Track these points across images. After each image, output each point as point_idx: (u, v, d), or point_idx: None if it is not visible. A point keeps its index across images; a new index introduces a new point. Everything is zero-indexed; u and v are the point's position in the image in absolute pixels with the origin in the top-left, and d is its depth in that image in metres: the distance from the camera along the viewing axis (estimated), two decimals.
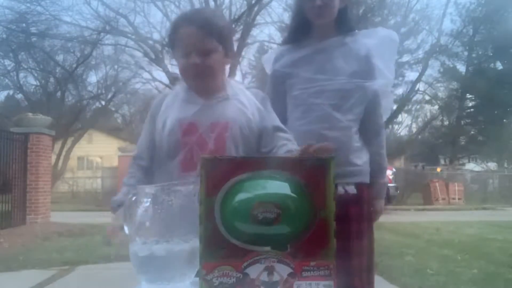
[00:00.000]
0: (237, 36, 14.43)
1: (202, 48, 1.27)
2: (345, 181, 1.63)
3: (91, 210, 13.24)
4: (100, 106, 23.10)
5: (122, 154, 14.91)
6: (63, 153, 19.76)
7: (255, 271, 0.93)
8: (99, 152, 23.14)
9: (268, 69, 1.82)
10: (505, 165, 24.64)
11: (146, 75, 19.87)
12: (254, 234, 0.93)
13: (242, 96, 1.37)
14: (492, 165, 24.42)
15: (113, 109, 25.77)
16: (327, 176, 0.97)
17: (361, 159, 1.69)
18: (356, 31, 1.77)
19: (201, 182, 0.93)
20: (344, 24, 1.72)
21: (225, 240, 0.93)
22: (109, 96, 22.25)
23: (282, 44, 1.85)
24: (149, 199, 0.99)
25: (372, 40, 1.74)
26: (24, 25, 16.47)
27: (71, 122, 20.12)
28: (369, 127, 1.72)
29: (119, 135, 24.99)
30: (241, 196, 0.93)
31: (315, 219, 0.95)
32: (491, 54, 24.76)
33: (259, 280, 0.93)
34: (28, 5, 15.50)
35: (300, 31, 1.74)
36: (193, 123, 1.31)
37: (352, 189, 1.64)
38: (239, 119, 1.31)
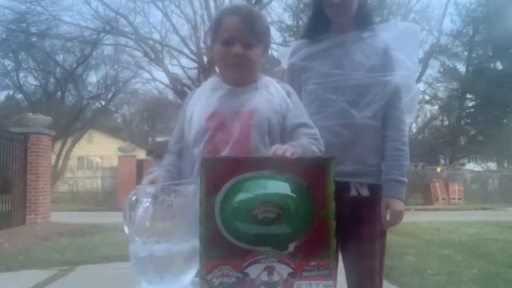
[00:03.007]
0: None
1: (246, 40, 1.30)
2: (357, 181, 1.58)
3: (91, 210, 13.25)
4: (100, 106, 23.12)
5: (122, 154, 14.91)
6: (63, 153, 19.76)
7: (255, 271, 0.93)
8: (99, 152, 23.14)
9: (285, 63, 1.77)
10: (505, 165, 24.63)
11: (146, 75, 19.95)
12: (254, 234, 0.93)
13: (271, 87, 1.38)
14: (492, 165, 24.41)
15: (113, 109, 25.83)
16: (327, 176, 0.96)
17: (376, 159, 1.61)
18: (375, 25, 1.72)
19: (201, 182, 0.93)
20: (362, 19, 1.68)
21: (225, 240, 0.93)
22: (109, 96, 22.28)
23: (300, 38, 1.79)
24: (149, 199, 0.99)
25: (391, 33, 1.69)
26: (24, 25, 16.49)
27: (71, 122, 20.13)
28: (389, 122, 1.63)
29: (119, 135, 24.98)
30: (241, 196, 0.93)
31: (315, 219, 0.95)
32: (491, 54, 24.74)
33: (259, 280, 0.93)
34: (28, 5, 15.54)
35: (318, 26, 1.70)
36: (218, 111, 1.32)
37: (365, 191, 1.58)
38: (266, 109, 1.31)
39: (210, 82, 1.42)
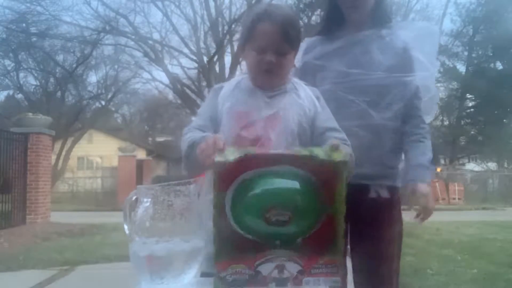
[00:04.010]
0: (237, 36, 14.43)
1: (280, 49, 1.29)
2: (376, 183, 1.54)
3: (91, 210, 13.25)
4: (100, 106, 23.11)
5: (122, 154, 14.91)
6: (63, 153, 19.76)
7: (267, 269, 0.96)
8: (99, 152, 23.14)
9: (297, 62, 1.67)
10: (505, 165, 24.63)
11: (146, 75, 19.92)
12: (265, 233, 0.95)
13: (300, 90, 1.38)
14: (492, 165, 24.42)
15: (113, 109, 25.81)
16: (339, 175, 0.97)
17: (395, 160, 1.59)
18: (392, 23, 1.66)
19: (214, 177, 0.94)
20: (380, 16, 1.61)
21: (238, 238, 0.95)
22: (109, 96, 22.28)
23: (315, 35, 1.72)
24: (149, 199, 0.99)
25: (410, 32, 1.63)
26: (24, 25, 16.47)
27: (71, 122, 20.12)
28: (409, 122, 1.59)
29: (119, 135, 24.98)
30: (253, 196, 0.94)
31: (323, 216, 0.97)
32: (491, 54, 24.73)
33: (270, 277, 0.97)
34: (28, 5, 15.51)
35: (334, 23, 1.64)
36: (248, 113, 1.31)
37: (384, 193, 1.54)
38: (296, 112, 1.31)
39: (242, 81, 1.40)
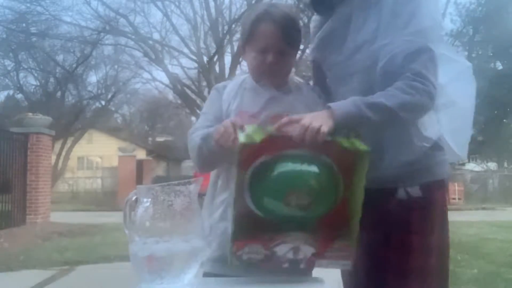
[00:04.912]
0: (237, 36, 14.43)
1: (281, 49, 1.30)
2: (403, 182, 1.26)
3: (91, 210, 13.25)
4: (100, 106, 23.11)
5: (122, 154, 14.91)
6: (63, 153, 19.76)
7: (283, 250, 0.99)
8: (99, 152, 23.15)
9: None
10: (505, 165, 24.63)
11: (146, 75, 19.91)
12: (283, 216, 0.96)
13: (304, 89, 1.39)
14: (492, 165, 24.40)
15: (113, 109, 25.80)
16: (360, 164, 0.98)
17: (419, 153, 1.26)
18: None
19: (237, 156, 0.95)
20: None
21: (255, 219, 0.97)
22: (109, 96, 22.26)
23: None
24: (149, 199, 0.99)
25: None
26: (24, 25, 16.47)
27: (71, 122, 20.11)
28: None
29: (119, 135, 24.99)
30: (275, 180, 0.95)
31: (340, 200, 0.99)
32: (491, 54, 24.73)
33: (285, 257, 0.99)
34: (28, 5, 15.51)
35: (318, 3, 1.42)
36: (254, 114, 1.30)
37: (416, 191, 1.26)
38: (301, 111, 1.28)
39: (246, 81, 1.39)
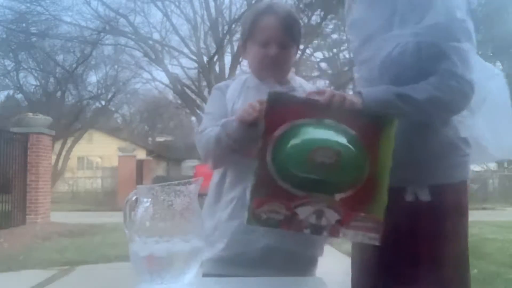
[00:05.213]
0: (237, 36, 14.43)
1: (283, 42, 1.31)
2: (414, 183, 1.18)
3: (91, 210, 13.26)
4: (100, 106, 23.10)
5: (122, 154, 14.91)
6: (63, 153, 19.76)
7: (305, 213, 0.93)
8: (99, 152, 23.14)
9: None
10: (505, 165, 24.62)
11: (146, 75, 19.90)
12: (305, 178, 0.93)
13: (305, 86, 1.40)
14: (492, 165, 24.40)
15: (113, 109, 25.80)
16: (386, 131, 0.98)
17: (432, 153, 1.20)
18: None
19: (264, 117, 0.94)
20: None
21: (276, 180, 0.93)
22: (109, 96, 22.26)
23: None
24: (149, 199, 0.99)
25: None
26: (24, 25, 16.47)
27: (71, 122, 20.12)
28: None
29: (119, 135, 24.99)
30: (300, 138, 0.94)
31: (367, 172, 0.96)
32: (491, 54, 24.72)
33: (306, 221, 0.93)
34: (28, 5, 15.51)
35: None
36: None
37: (425, 195, 1.18)
38: None
39: (248, 80, 1.39)
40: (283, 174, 0.93)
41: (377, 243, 0.97)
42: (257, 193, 0.92)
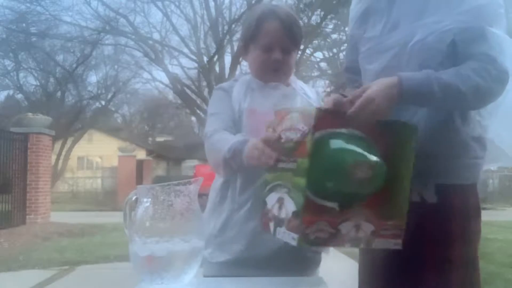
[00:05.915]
0: (237, 36, 14.44)
1: (286, 46, 1.31)
2: (419, 182, 1.09)
3: (91, 210, 13.25)
4: (100, 106, 23.11)
5: (122, 154, 14.91)
6: (63, 153, 19.76)
7: (346, 228, 0.96)
8: (99, 152, 23.13)
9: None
10: None
11: (146, 75, 19.91)
12: (348, 194, 0.95)
13: (306, 89, 1.41)
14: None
15: (113, 109, 25.83)
16: (407, 139, 0.99)
17: (441, 148, 1.12)
18: None
19: (311, 131, 0.95)
20: None
21: (321, 199, 0.95)
22: (109, 96, 22.28)
23: None
24: (149, 199, 0.99)
25: None
26: (24, 25, 16.48)
27: (71, 122, 20.13)
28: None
29: (119, 135, 24.98)
30: (339, 151, 0.94)
31: (389, 179, 0.97)
32: None
33: (348, 236, 0.96)
34: (28, 5, 15.53)
35: None
36: (266, 112, 1.28)
37: (431, 196, 1.13)
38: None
39: (252, 82, 1.38)
40: (325, 193, 0.95)
41: (399, 247, 1.01)
42: (307, 212, 0.93)
